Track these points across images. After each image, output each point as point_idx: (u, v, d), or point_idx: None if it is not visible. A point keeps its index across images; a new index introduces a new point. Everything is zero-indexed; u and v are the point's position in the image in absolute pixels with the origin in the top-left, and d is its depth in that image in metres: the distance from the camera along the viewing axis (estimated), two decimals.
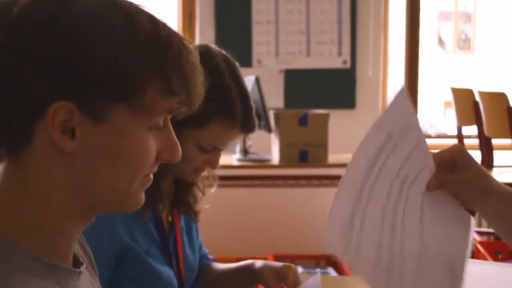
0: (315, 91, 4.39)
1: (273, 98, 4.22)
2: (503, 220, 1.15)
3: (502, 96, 3.42)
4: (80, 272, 0.88)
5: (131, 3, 0.83)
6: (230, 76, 1.50)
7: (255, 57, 4.35)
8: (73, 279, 0.86)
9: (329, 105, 4.21)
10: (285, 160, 3.64)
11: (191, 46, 0.85)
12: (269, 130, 3.67)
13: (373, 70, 4.44)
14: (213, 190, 1.69)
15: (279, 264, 1.61)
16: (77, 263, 0.90)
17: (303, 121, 3.62)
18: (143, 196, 0.88)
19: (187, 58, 0.83)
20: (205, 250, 1.76)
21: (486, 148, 3.70)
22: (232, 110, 1.48)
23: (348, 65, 4.40)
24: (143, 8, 0.84)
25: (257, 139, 3.85)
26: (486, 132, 3.62)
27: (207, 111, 1.40)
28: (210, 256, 1.79)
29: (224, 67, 1.50)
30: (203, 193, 1.68)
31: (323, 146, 3.65)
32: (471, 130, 4.18)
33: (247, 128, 1.53)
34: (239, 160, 3.77)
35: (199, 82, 0.86)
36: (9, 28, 0.78)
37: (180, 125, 1.44)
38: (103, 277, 1.42)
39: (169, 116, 0.87)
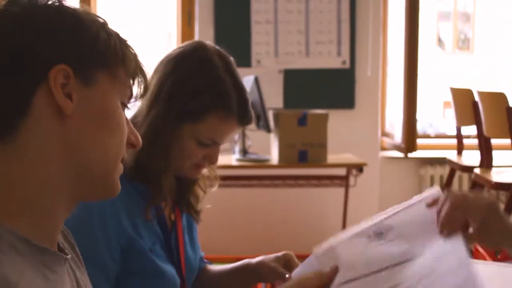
0: (314, 91, 4.39)
1: (272, 98, 4.22)
2: None
3: (501, 96, 3.42)
4: (66, 259, 0.92)
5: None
6: (225, 70, 1.51)
7: (254, 57, 4.35)
8: (59, 263, 0.90)
9: (328, 105, 4.21)
10: (284, 160, 3.63)
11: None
12: (268, 130, 3.67)
13: (372, 70, 4.44)
14: (214, 189, 1.69)
15: (273, 256, 1.64)
16: (61, 252, 0.93)
17: (302, 121, 3.62)
18: (119, 184, 0.95)
19: (135, 53, 0.98)
20: (201, 253, 1.76)
21: (485, 148, 3.70)
22: (228, 103, 1.49)
23: (347, 65, 4.40)
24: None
25: (256, 139, 3.85)
26: (485, 132, 3.63)
27: (203, 105, 1.47)
28: (205, 260, 1.79)
29: (219, 61, 1.51)
30: (205, 192, 1.68)
31: (322, 146, 3.65)
32: (470, 130, 4.18)
33: (243, 120, 1.53)
34: (238, 160, 3.77)
35: (148, 77, 1.00)
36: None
37: (177, 120, 1.48)
38: (112, 272, 1.43)
39: (126, 105, 0.98)
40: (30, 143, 0.86)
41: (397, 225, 1.08)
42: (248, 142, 3.81)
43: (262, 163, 3.76)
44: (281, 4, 4.35)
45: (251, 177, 3.99)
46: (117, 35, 0.96)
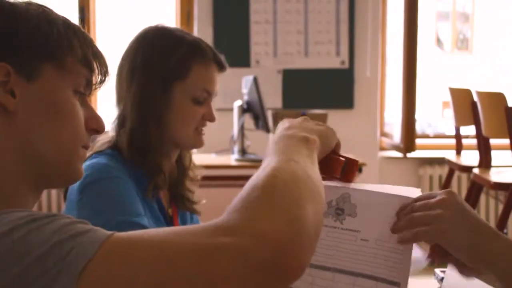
0: (313, 91, 4.39)
1: (271, 98, 4.22)
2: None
3: (500, 96, 3.42)
4: None
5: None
6: (181, 30, 1.63)
7: (253, 57, 4.35)
8: None
9: (327, 105, 4.21)
10: None
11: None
12: (267, 130, 3.67)
13: (371, 70, 4.44)
14: (198, 178, 1.69)
15: None
16: None
17: None
18: (82, 168, 0.96)
19: (93, 42, 0.98)
20: None
21: (484, 148, 3.70)
22: (201, 48, 1.57)
23: (346, 65, 4.40)
24: None
25: (255, 139, 3.85)
26: (484, 132, 3.63)
27: (181, 60, 1.54)
28: None
29: (171, 28, 1.62)
30: (196, 180, 1.69)
31: None
32: (469, 130, 4.19)
33: (220, 63, 1.60)
34: (237, 160, 3.77)
35: (107, 61, 1.00)
36: None
37: (165, 85, 1.53)
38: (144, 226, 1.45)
39: (88, 92, 0.98)
40: None
41: (361, 209, 1.04)
42: (247, 142, 3.81)
43: (261, 163, 3.75)
44: (280, 4, 4.35)
45: (250, 177, 3.98)
46: (64, 23, 0.95)
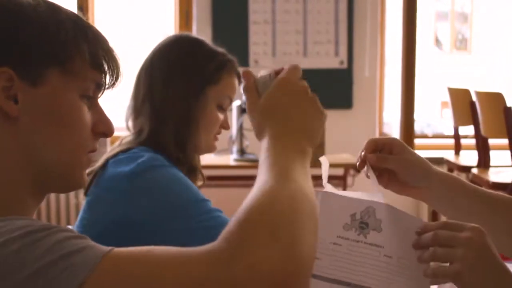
0: (312, 91, 4.38)
1: None
2: (446, 199, 1.17)
3: (498, 96, 3.42)
4: None
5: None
6: (209, 43, 1.75)
7: (252, 57, 4.35)
8: None
9: (326, 105, 4.15)
10: None
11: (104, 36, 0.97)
12: None
13: (370, 70, 4.44)
14: (200, 183, 1.75)
15: None
16: None
17: None
18: (86, 176, 0.95)
19: (106, 41, 0.95)
20: None
21: (483, 148, 3.70)
22: (230, 61, 1.70)
23: (345, 65, 4.40)
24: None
25: (254, 139, 3.83)
26: (482, 132, 3.63)
27: (216, 67, 1.66)
28: None
29: (202, 39, 1.75)
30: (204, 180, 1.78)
31: (319, 146, 3.63)
32: (468, 130, 4.19)
33: (239, 74, 1.71)
34: (236, 160, 3.77)
35: (119, 62, 0.96)
36: None
37: (201, 90, 1.63)
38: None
39: (98, 94, 0.95)
40: None
41: (385, 224, 1.03)
42: (246, 142, 3.81)
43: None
44: (279, 4, 4.35)
45: (249, 177, 3.98)
46: (74, 23, 0.92)
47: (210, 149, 1.70)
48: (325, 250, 1.01)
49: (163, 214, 1.48)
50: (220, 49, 1.72)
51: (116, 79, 0.96)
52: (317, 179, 4.08)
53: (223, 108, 1.69)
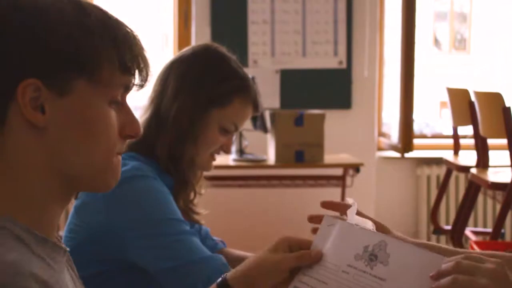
0: (311, 91, 4.39)
1: (269, 98, 4.22)
2: None
3: (497, 96, 3.42)
4: (66, 250, 0.92)
5: None
6: (236, 63, 1.67)
7: (251, 57, 4.35)
8: (59, 254, 0.90)
9: (325, 105, 4.21)
10: (281, 160, 3.64)
11: (136, 34, 0.94)
12: (265, 130, 3.67)
13: (369, 70, 4.44)
14: (209, 189, 1.74)
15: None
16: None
17: (299, 121, 3.62)
18: (119, 174, 0.94)
19: (136, 41, 0.92)
20: (215, 238, 1.80)
21: (482, 148, 3.70)
22: (249, 86, 1.63)
23: (344, 65, 4.40)
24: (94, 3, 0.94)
25: (253, 139, 3.85)
26: (481, 132, 3.63)
27: (232, 88, 1.60)
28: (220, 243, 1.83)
29: (229, 56, 1.66)
30: (200, 194, 1.72)
31: (319, 146, 3.65)
32: (466, 130, 4.19)
33: (257, 106, 1.67)
34: (235, 160, 3.77)
35: (149, 62, 0.95)
36: None
37: (206, 107, 1.58)
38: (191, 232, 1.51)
39: (126, 95, 0.94)
40: (12, 149, 0.87)
41: (393, 259, 1.03)
42: (245, 142, 3.81)
43: (259, 163, 3.76)
44: (277, 4, 4.35)
45: (248, 177, 3.99)
46: (104, 25, 0.89)
47: (204, 167, 1.66)
48: (335, 276, 1.05)
49: (132, 227, 1.47)
50: (244, 73, 1.65)
51: (146, 79, 0.95)
52: (316, 179, 4.07)
53: (227, 131, 1.64)
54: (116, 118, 0.92)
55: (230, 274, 1.11)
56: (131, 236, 1.46)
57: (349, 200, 1.16)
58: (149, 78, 0.95)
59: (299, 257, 1.07)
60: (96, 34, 0.88)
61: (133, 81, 0.93)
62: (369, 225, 1.13)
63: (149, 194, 1.50)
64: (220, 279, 1.11)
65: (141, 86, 0.95)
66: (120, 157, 0.94)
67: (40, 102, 0.86)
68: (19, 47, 0.85)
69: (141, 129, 0.96)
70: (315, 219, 1.19)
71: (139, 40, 0.93)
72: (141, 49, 0.93)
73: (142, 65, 0.93)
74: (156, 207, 1.48)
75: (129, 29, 0.93)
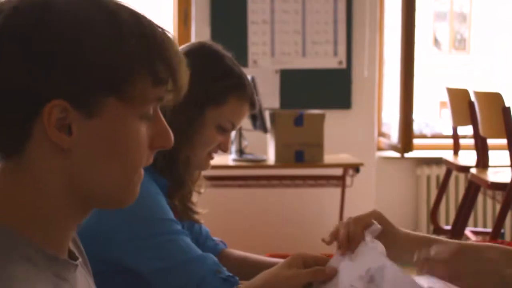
0: (310, 91, 4.39)
1: (269, 98, 4.22)
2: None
3: (497, 96, 3.42)
4: (77, 265, 0.89)
5: (116, 1, 0.86)
6: (231, 60, 1.64)
7: (250, 57, 4.35)
8: (70, 271, 0.88)
9: (325, 105, 4.21)
10: (281, 160, 3.64)
11: (172, 36, 0.89)
12: (264, 130, 3.67)
13: (369, 70, 4.44)
14: (209, 189, 1.73)
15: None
16: (72, 258, 0.91)
17: (298, 121, 3.62)
18: (138, 189, 0.90)
19: (170, 47, 0.87)
20: (215, 239, 1.80)
21: (482, 148, 3.70)
22: (245, 85, 1.62)
23: (343, 65, 4.40)
24: (123, 3, 0.87)
25: (252, 139, 3.85)
26: (481, 132, 3.63)
27: (228, 86, 1.59)
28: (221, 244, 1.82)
29: (224, 54, 1.64)
30: (199, 193, 1.71)
31: (318, 146, 3.65)
32: (466, 130, 4.19)
33: (254, 104, 1.65)
34: (234, 160, 3.77)
35: (184, 69, 0.90)
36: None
37: (202, 106, 1.57)
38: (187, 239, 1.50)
39: (158, 105, 0.90)
40: (33, 165, 0.83)
41: (386, 284, 1.07)
42: (245, 142, 3.81)
43: (258, 163, 3.76)
44: (277, 4, 4.35)
45: (247, 177, 3.99)
46: (139, 34, 0.83)
47: (202, 166, 1.64)
48: None
49: (123, 228, 1.46)
50: (239, 70, 1.63)
51: (180, 90, 0.90)
52: (316, 179, 4.08)
53: (225, 130, 1.62)
54: (147, 130, 0.88)
55: (242, 287, 1.12)
56: (122, 237, 1.46)
57: (375, 223, 1.17)
58: (184, 86, 0.90)
59: (313, 273, 1.07)
60: (129, 48, 0.83)
61: (166, 91, 0.88)
62: (380, 247, 1.14)
63: (140, 195, 1.50)
64: None
65: (176, 94, 0.90)
66: (142, 171, 0.90)
67: (67, 122, 0.81)
68: (48, 66, 0.80)
69: (173, 139, 0.91)
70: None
71: (173, 45, 0.88)
72: (175, 55, 0.88)
73: (176, 74, 0.88)
74: (147, 208, 1.47)
75: (164, 33, 0.87)
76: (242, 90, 1.61)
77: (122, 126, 0.84)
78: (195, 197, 1.71)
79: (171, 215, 1.51)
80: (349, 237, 1.12)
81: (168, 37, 0.87)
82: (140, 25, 0.85)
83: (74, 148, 0.82)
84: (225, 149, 1.64)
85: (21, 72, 0.80)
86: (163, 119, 0.91)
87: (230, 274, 1.47)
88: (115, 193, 0.88)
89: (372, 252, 1.11)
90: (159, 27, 0.87)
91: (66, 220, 0.87)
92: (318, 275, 1.08)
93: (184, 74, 0.90)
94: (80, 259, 0.92)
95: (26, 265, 0.80)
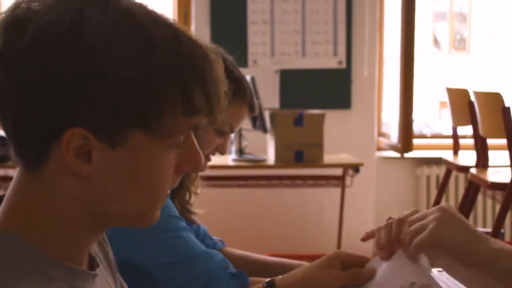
0: (310, 91, 4.39)
1: (269, 98, 4.22)
2: None
3: (497, 96, 3.42)
4: (95, 275, 0.86)
5: (151, 15, 0.79)
6: (232, 64, 1.62)
7: (250, 57, 4.35)
8: (88, 282, 0.85)
9: (325, 105, 4.21)
10: (281, 160, 3.64)
11: (214, 57, 0.81)
12: (264, 130, 3.67)
13: (369, 70, 4.44)
14: (199, 191, 1.73)
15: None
16: (93, 265, 0.89)
17: (298, 121, 3.62)
18: (158, 214, 0.85)
19: (210, 72, 0.79)
20: (213, 237, 1.80)
21: (481, 148, 3.70)
22: (243, 88, 1.60)
23: (343, 65, 4.40)
24: (165, 19, 0.81)
25: (252, 139, 3.85)
26: (481, 132, 3.63)
27: (229, 90, 1.54)
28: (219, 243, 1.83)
29: (225, 57, 1.60)
30: (196, 194, 1.72)
31: (318, 146, 3.65)
32: (466, 130, 4.19)
33: (253, 107, 1.64)
34: (234, 160, 3.77)
35: (223, 94, 0.82)
36: (21, 51, 0.75)
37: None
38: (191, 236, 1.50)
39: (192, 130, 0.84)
40: (50, 186, 0.80)
41: None
42: (245, 142, 3.81)
43: (258, 163, 3.76)
44: (277, 4, 4.35)
45: (247, 177, 3.99)
46: (173, 64, 0.76)
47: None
48: None
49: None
50: (239, 73, 1.61)
51: (216, 115, 0.82)
52: (315, 179, 4.08)
53: (223, 133, 1.61)
54: (175, 157, 0.82)
55: (279, 280, 1.09)
56: (129, 234, 1.46)
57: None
58: (220, 111, 0.82)
59: (351, 276, 1.04)
60: (163, 77, 0.76)
61: (201, 118, 0.81)
62: (425, 262, 1.11)
63: None
64: (266, 282, 1.09)
65: (212, 120, 0.82)
66: (168, 193, 0.85)
67: (87, 149, 0.76)
68: (72, 91, 0.74)
69: (204, 162, 0.85)
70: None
71: (215, 67, 0.80)
72: (215, 80, 0.80)
73: (214, 102, 0.80)
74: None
75: (205, 53, 0.80)
76: (242, 94, 1.59)
77: (147, 157, 0.79)
78: (192, 198, 1.72)
79: (176, 212, 1.53)
80: (390, 239, 1.06)
81: (209, 58, 0.80)
82: (180, 51, 0.77)
83: (93, 175, 0.78)
84: (223, 152, 1.64)
85: (44, 92, 0.75)
86: (195, 142, 0.84)
87: (239, 270, 1.48)
88: (136, 217, 0.84)
89: (417, 267, 1.07)
90: (200, 45, 0.80)
91: (83, 236, 0.84)
92: (356, 278, 1.04)
93: (223, 100, 0.82)
94: (100, 266, 0.90)
95: (36, 278, 0.78)
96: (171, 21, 0.81)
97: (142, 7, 0.79)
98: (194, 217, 1.72)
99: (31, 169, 0.80)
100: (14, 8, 0.78)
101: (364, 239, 1.12)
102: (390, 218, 1.10)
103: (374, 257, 1.10)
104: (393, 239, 1.06)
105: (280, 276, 1.12)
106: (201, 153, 0.84)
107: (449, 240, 1.00)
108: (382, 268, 1.08)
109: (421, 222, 1.02)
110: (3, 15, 0.78)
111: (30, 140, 0.78)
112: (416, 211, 1.06)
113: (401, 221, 1.07)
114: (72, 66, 0.74)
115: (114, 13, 0.76)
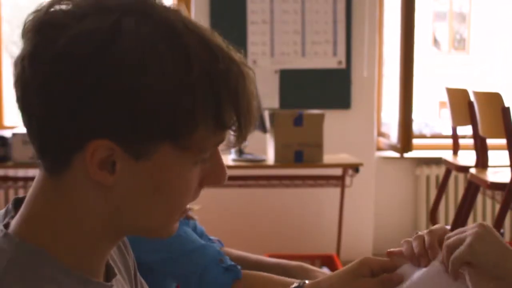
0: (310, 91, 4.39)
1: (268, 98, 4.22)
2: None
3: (496, 96, 3.42)
4: (111, 286, 0.85)
5: (191, 30, 0.78)
6: None
7: (250, 57, 4.35)
8: None
9: (324, 105, 4.21)
10: (280, 160, 3.63)
11: (249, 72, 0.80)
12: (264, 130, 3.67)
13: (368, 70, 4.44)
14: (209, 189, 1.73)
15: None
16: (109, 274, 0.87)
17: (298, 121, 3.62)
18: (176, 226, 0.84)
19: (244, 89, 0.78)
20: (211, 237, 1.80)
21: (481, 148, 3.70)
22: None
23: (343, 65, 4.40)
24: (200, 29, 0.79)
25: (252, 139, 3.82)
26: (480, 132, 3.63)
27: None
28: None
29: None
30: None
31: (318, 146, 3.65)
32: (466, 130, 4.19)
33: None
34: (234, 160, 3.77)
35: (254, 109, 0.80)
36: (54, 56, 0.74)
37: None
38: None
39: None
40: (70, 194, 0.79)
41: None
42: (245, 142, 3.81)
43: (258, 163, 3.76)
44: (277, 4, 4.35)
45: (247, 177, 3.99)
46: (207, 79, 0.74)
47: None
48: None
49: None
50: None
51: (246, 133, 0.81)
52: (315, 179, 4.08)
53: None
54: (200, 171, 0.81)
55: (309, 284, 1.09)
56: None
57: None
58: (251, 127, 0.81)
59: (381, 283, 1.03)
60: (197, 95, 0.74)
61: (229, 135, 0.80)
62: (467, 278, 1.11)
63: None
64: (296, 284, 1.09)
65: (242, 136, 0.80)
66: (188, 207, 0.84)
67: (112, 160, 0.75)
68: (101, 102, 0.73)
69: (227, 176, 0.84)
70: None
71: (249, 84, 0.78)
72: (248, 97, 0.78)
73: (244, 120, 0.79)
74: None
75: (241, 69, 0.78)
76: None
77: (173, 171, 0.77)
78: None
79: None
80: (424, 248, 1.04)
81: (243, 74, 0.78)
82: (215, 68, 0.76)
83: (116, 186, 0.77)
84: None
85: (72, 101, 0.73)
86: (221, 157, 0.83)
87: (233, 263, 1.48)
88: (155, 229, 0.83)
89: (453, 282, 1.04)
90: (235, 60, 0.79)
91: (101, 245, 0.83)
92: (386, 285, 1.02)
93: (253, 118, 0.80)
94: (117, 276, 0.88)
95: (50, 286, 0.76)
96: (206, 30, 0.80)
97: (177, 14, 0.78)
98: (190, 213, 1.72)
99: (52, 174, 0.79)
100: (46, 10, 0.76)
101: (392, 252, 1.10)
102: (417, 232, 1.10)
103: (405, 265, 1.07)
104: (428, 247, 1.05)
105: (308, 282, 1.11)
106: (225, 167, 0.83)
107: (484, 254, 1.00)
108: (415, 276, 1.05)
109: (459, 236, 1.02)
110: (33, 17, 0.76)
111: (54, 146, 0.76)
112: (443, 228, 1.06)
113: (432, 232, 1.06)
114: (104, 78, 0.72)
115: (151, 24, 0.75)
